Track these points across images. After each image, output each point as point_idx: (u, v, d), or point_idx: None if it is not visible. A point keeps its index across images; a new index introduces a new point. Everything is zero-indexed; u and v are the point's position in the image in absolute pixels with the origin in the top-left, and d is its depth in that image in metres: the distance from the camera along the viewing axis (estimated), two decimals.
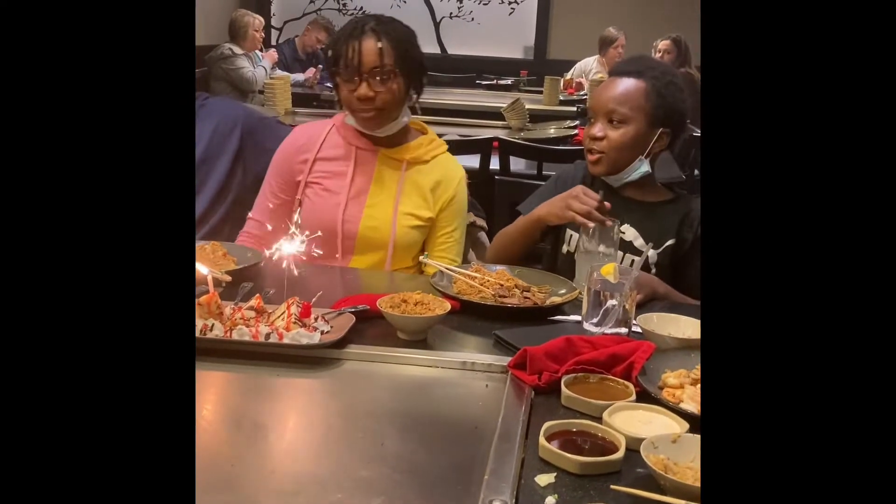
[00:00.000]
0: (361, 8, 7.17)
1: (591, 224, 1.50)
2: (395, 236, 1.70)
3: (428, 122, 4.04)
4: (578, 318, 1.32)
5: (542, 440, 0.91)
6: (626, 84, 1.61)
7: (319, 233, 1.38)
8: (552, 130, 3.70)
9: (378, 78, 1.63)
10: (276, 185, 1.78)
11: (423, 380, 1.15)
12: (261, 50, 5.39)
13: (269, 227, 1.69)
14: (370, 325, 1.28)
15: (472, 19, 7.08)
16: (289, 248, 1.28)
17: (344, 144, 1.76)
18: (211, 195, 1.87)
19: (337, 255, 1.70)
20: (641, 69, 1.62)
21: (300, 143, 1.79)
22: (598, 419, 0.98)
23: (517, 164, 3.04)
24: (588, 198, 1.53)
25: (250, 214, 1.82)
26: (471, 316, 1.36)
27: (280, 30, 7.32)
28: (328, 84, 5.46)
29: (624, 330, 1.20)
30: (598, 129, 1.63)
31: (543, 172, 2.82)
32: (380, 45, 1.63)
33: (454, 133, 3.58)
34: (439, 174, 1.76)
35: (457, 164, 1.82)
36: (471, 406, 1.08)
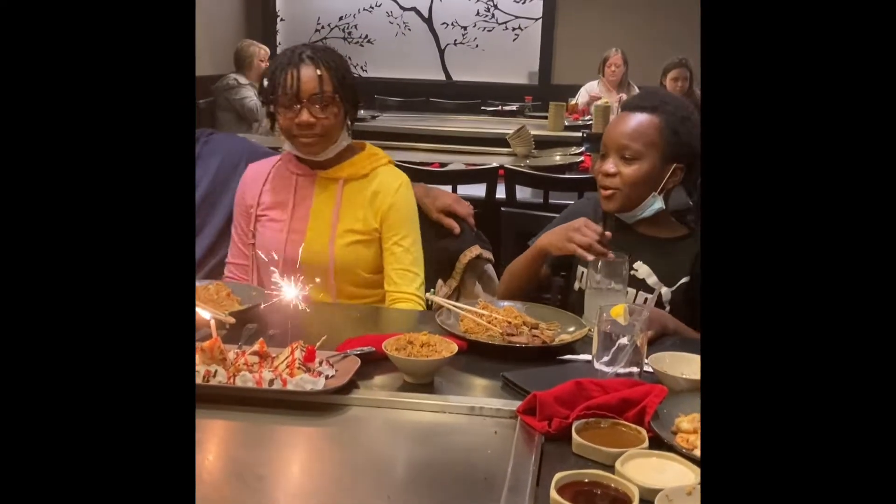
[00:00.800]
0: (366, 36, 7.23)
1: (591, 257, 1.48)
2: (333, 259, 1.70)
3: (431, 151, 4.03)
4: (588, 357, 1.29)
5: (553, 493, 0.88)
6: (640, 119, 1.59)
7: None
8: (558, 157, 3.68)
9: (318, 105, 1.66)
10: (240, 226, 1.81)
11: (430, 426, 1.13)
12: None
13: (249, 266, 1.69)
14: (375, 368, 1.26)
15: (477, 46, 7.11)
16: (289, 291, 1.26)
17: (286, 174, 1.79)
18: (214, 233, 1.86)
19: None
20: (655, 104, 1.60)
21: (249, 179, 1.82)
22: (611, 467, 0.96)
23: (523, 192, 3.02)
24: (589, 230, 1.51)
25: (228, 260, 1.82)
26: (478, 356, 1.34)
27: None
28: None
29: (636, 370, 1.18)
30: (610, 166, 1.60)
31: (550, 201, 2.80)
32: (319, 72, 1.66)
33: (459, 161, 3.58)
34: (376, 184, 1.76)
35: (397, 173, 1.81)
36: (479, 454, 1.05)
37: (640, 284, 1.58)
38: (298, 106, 1.66)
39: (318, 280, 1.66)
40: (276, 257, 1.65)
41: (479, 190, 2.90)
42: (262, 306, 1.47)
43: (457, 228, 1.85)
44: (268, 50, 5.38)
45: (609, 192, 1.61)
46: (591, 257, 1.48)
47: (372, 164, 1.78)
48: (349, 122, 1.77)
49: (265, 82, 1.71)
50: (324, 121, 1.67)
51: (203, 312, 1.22)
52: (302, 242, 1.70)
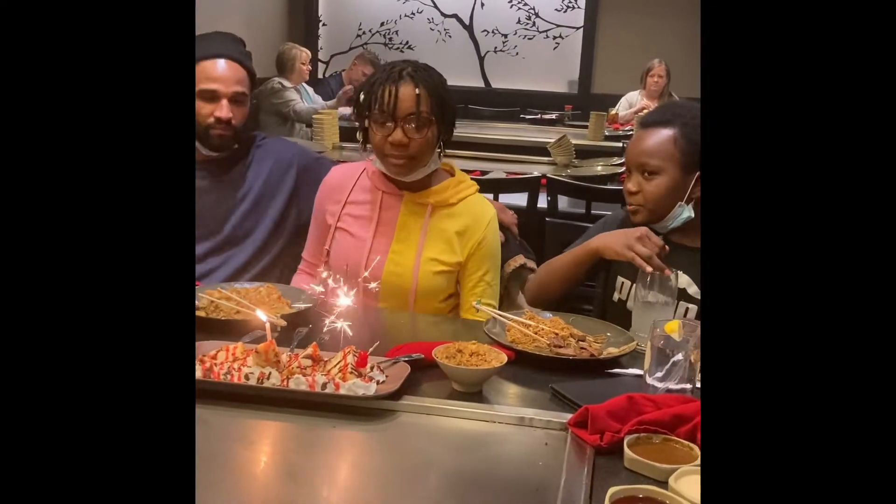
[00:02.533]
0: (407, 42, 7.27)
1: (649, 269, 1.47)
2: (416, 284, 1.68)
3: (471, 158, 4.02)
4: (638, 371, 1.29)
5: None
6: (655, 135, 1.61)
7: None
8: (599, 167, 3.67)
9: (413, 125, 1.62)
10: (318, 229, 1.81)
11: (480, 435, 1.13)
12: (308, 83, 5.48)
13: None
14: (424, 375, 1.27)
15: (517, 53, 7.12)
16: (342, 300, 1.27)
17: (371, 189, 1.75)
18: (263, 236, 1.88)
19: (360, 300, 1.65)
20: (669, 117, 1.61)
21: (332, 186, 1.80)
22: (663, 483, 0.95)
23: (562, 202, 3.02)
24: (651, 241, 1.51)
25: (304, 255, 1.84)
26: (526, 366, 1.34)
27: (327, 63, 7.45)
28: None
29: (689, 386, 1.17)
30: (632, 185, 1.64)
31: (592, 212, 2.79)
32: (417, 91, 1.62)
33: (500, 169, 3.58)
34: (467, 217, 1.72)
35: (486, 205, 1.77)
36: (531, 466, 1.05)
37: (681, 294, 1.58)
38: (392, 124, 1.62)
39: (393, 300, 1.67)
40: (346, 268, 1.59)
41: (520, 199, 2.90)
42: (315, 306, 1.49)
43: (503, 239, 1.85)
44: (309, 53, 5.45)
45: (633, 207, 1.64)
46: (649, 269, 1.47)
47: (461, 193, 1.74)
48: (441, 145, 1.72)
49: (361, 96, 1.67)
50: (417, 141, 1.63)
51: (260, 314, 1.24)
52: (384, 262, 1.68)
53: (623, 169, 3.61)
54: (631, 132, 4.84)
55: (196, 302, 1.50)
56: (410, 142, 1.63)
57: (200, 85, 1.81)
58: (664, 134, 1.60)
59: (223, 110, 1.82)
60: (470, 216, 1.72)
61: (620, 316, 1.60)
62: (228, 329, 1.41)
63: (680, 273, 1.59)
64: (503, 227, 1.87)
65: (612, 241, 1.57)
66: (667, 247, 1.51)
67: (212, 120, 1.82)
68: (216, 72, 1.82)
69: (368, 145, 1.72)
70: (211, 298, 1.50)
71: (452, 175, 1.79)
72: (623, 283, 1.70)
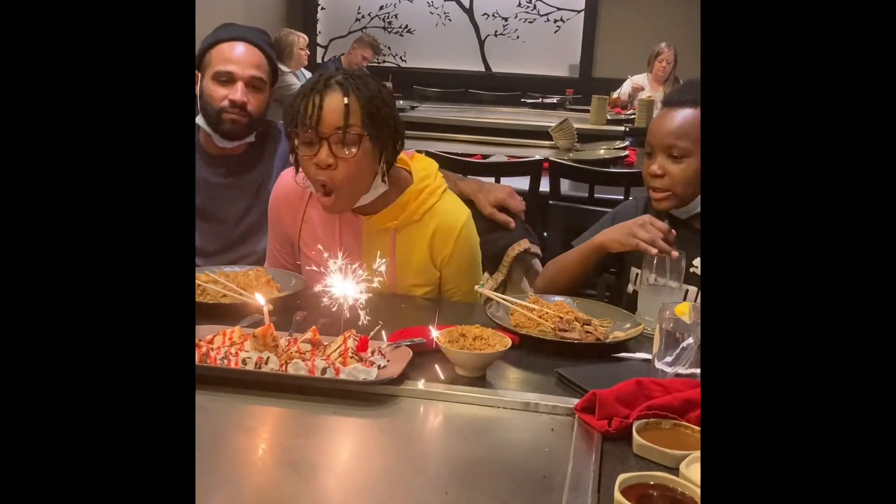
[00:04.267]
0: (406, 26, 7.22)
1: (654, 251, 1.44)
2: (401, 300, 1.57)
3: (472, 142, 3.97)
4: (646, 355, 1.26)
5: (617, 495, 0.85)
6: (683, 115, 1.52)
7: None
8: (602, 151, 3.63)
9: (339, 142, 1.39)
10: (276, 240, 1.67)
11: (484, 421, 1.10)
12: (307, 67, 5.43)
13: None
14: (426, 359, 1.24)
15: (518, 37, 7.07)
16: (342, 287, 1.23)
17: (326, 215, 1.55)
18: None
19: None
20: (697, 97, 1.53)
21: (286, 197, 1.61)
22: (673, 469, 0.92)
23: (564, 185, 2.98)
24: (654, 227, 1.47)
25: (265, 268, 1.66)
26: (530, 351, 1.31)
27: (326, 47, 7.39)
28: None
29: (699, 370, 1.14)
30: (657, 167, 1.54)
31: (595, 195, 2.76)
32: (346, 100, 1.37)
33: (500, 153, 3.54)
34: (433, 227, 1.54)
35: (455, 211, 1.57)
36: (537, 452, 1.02)
37: (698, 280, 1.54)
38: (317, 142, 1.39)
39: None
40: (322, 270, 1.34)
41: (522, 182, 2.87)
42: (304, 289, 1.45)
43: (512, 224, 1.78)
44: (306, 38, 5.40)
45: (661, 193, 1.55)
46: (654, 251, 1.44)
47: (425, 203, 1.54)
48: (384, 167, 1.47)
49: (289, 111, 1.44)
50: (346, 164, 1.39)
51: (259, 297, 1.20)
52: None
53: (626, 153, 3.57)
54: (633, 116, 4.80)
55: None
56: (338, 162, 1.39)
57: (216, 67, 1.76)
58: (693, 114, 1.51)
59: (237, 93, 1.76)
60: (437, 225, 1.55)
61: (634, 307, 1.56)
62: (215, 313, 1.38)
63: (699, 259, 1.55)
64: (511, 213, 1.83)
65: (616, 234, 1.53)
66: (673, 231, 1.48)
67: (225, 103, 1.76)
68: (233, 54, 1.76)
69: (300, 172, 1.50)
70: (197, 282, 1.46)
71: (410, 180, 1.56)
72: (637, 274, 1.66)
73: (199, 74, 1.83)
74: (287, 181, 1.61)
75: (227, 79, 1.76)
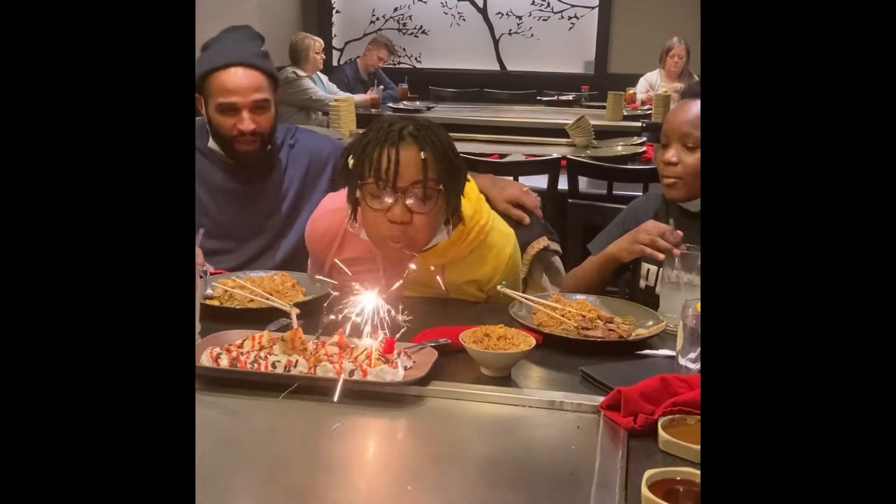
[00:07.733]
0: (421, 27, 7.22)
1: (661, 256, 1.46)
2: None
3: (488, 142, 3.95)
4: (669, 352, 1.27)
5: (645, 491, 0.86)
6: (700, 106, 1.56)
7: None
8: (620, 147, 3.62)
9: (418, 197, 1.36)
10: (314, 266, 1.69)
11: (510, 420, 1.12)
12: (322, 71, 5.45)
13: None
14: (451, 360, 1.25)
15: (532, 35, 7.04)
16: (371, 304, 1.22)
17: (368, 244, 1.50)
18: (297, 238, 1.84)
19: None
20: None
21: (320, 234, 1.62)
22: (699, 464, 0.93)
23: (582, 183, 2.99)
24: (654, 228, 1.49)
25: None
26: (553, 349, 1.32)
27: (341, 50, 7.42)
28: (390, 104, 5.53)
29: None
30: (672, 155, 1.58)
31: (614, 192, 2.76)
32: (423, 155, 1.34)
33: (517, 152, 3.55)
34: (482, 260, 1.55)
35: (502, 242, 1.58)
36: (563, 450, 1.04)
37: None
38: (391, 197, 1.35)
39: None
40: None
41: (540, 181, 2.87)
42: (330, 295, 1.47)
43: (526, 219, 1.81)
44: (322, 42, 5.42)
45: (671, 180, 1.60)
46: (660, 256, 1.46)
47: (473, 241, 1.52)
48: (450, 219, 1.46)
49: (350, 160, 1.39)
50: (421, 218, 1.36)
51: (283, 305, 1.22)
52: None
53: (644, 149, 3.56)
54: (650, 111, 4.78)
55: (210, 291, 1.49)
56: (413, 218, 1.36)
57: (218, 98, 1.77)
58: None
59: (245, 122, 1.76)
60: (488, 263, 1.56)
61: (648, 303, 1.57)
62: (242, 318, 1.40)
63: None
64: (526, 209, 1.84)
65: (623, 243, 1.57)
66: (678, 232, 1.48)
67: (235, 132, 1.78)
68: (233, 83, 1.76)
69: (356, 223, 1.47)
70: (224, 287, 1.49)
71: (461, 220, 1.51)
72: (649, 269, 1.67)
73: (201, 98, 1.82)
74: (326, 220, 1.60)
75: (232, 108, 1.77)
